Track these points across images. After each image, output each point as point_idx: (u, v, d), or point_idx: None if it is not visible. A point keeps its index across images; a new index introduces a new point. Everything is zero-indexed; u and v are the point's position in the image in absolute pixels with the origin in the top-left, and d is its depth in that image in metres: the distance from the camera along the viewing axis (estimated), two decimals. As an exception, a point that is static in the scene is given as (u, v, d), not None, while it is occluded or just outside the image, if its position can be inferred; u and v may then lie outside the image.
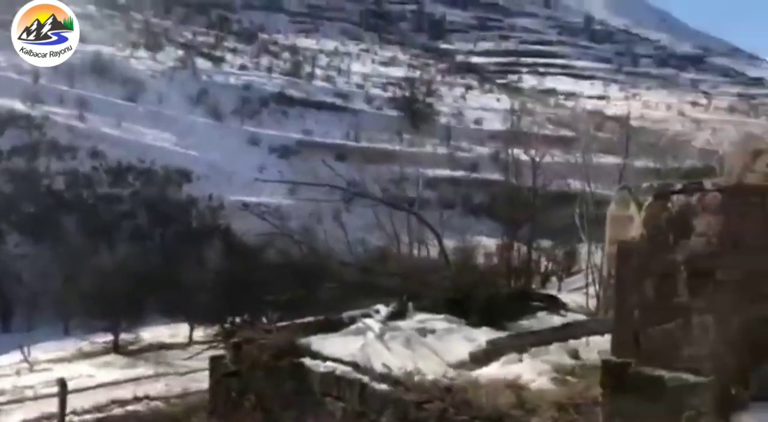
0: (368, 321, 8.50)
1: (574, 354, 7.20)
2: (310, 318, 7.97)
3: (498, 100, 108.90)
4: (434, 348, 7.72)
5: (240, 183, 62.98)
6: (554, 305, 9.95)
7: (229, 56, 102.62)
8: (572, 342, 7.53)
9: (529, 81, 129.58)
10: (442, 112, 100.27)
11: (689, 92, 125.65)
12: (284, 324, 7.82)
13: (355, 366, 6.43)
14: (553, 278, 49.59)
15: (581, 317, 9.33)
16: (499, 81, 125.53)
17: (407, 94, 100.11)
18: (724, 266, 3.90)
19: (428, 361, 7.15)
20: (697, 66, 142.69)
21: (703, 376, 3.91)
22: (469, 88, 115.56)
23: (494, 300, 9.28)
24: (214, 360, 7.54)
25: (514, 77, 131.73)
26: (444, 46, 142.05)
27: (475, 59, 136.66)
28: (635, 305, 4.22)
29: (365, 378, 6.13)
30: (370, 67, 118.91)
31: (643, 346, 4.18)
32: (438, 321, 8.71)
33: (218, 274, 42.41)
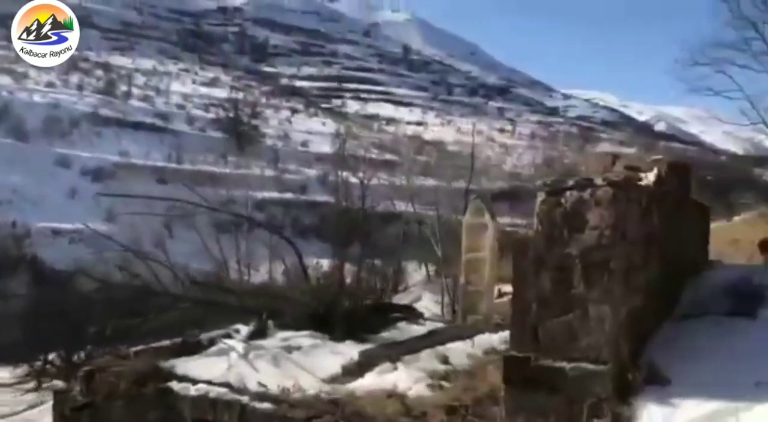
0: (229, 341, 8.06)
1: (444, 360, 7.27)
2: (166, 342, 7.34)
3: (324, 124, 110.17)
4: (303, 365, 7.46)
5: (49, 208, 57.83)
6: (412, 315, 10.08)
7: (33, 72, 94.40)
8: (440, 349, 7.63)
9: (352, 106, 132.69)
10: (268, 134, 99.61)
11: (497, 119, 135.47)
12: (139, 348, 7.13)
13: (228, 386, 5.99)
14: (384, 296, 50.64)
15: (440, 325, 9.50)
16: (324, 105, 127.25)
17: (231, 115, 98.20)
18: (617, 257, 4.11)
19: (299, 377, 6.90)
20: (503, 96, 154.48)
21: (601, 364, 4.06)
22: (294, 111, 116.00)
23: (356, 314, 9.19)
24: (59, 394, 6.70)
25: (338, 102, 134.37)
26: (267, 69, 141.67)
27: (299, 83, 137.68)
28: (533, 299, 4.31)
29: (244, 399, 5.73)
30: (191, 88, 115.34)
31: (541, 339, 4.27)
32: (302, 338, 8.47)
33: (24, 308, 38.34)
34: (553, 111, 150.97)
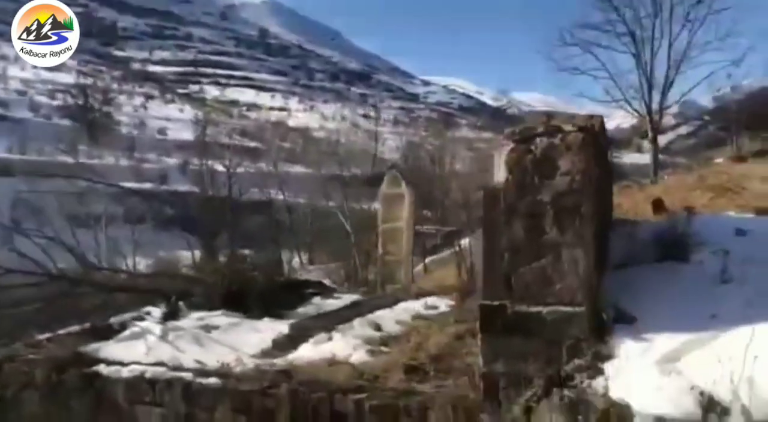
0: (143, 323, 7.56)
1: (377, 327, 7.22)
2: (75, 327, 6.74)
3: (181, 110, 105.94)
4: (226, 342, 7.14)
5: None
6: (326, 290, 9.94)
7: None
8: (370, 317, 7.57)
9: (211, 92, 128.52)
10: (123, 122, 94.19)
11: (360, 105, 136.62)
12: (47, 335, 6.48)
13: (163, 365, 5.58)
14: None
15: (356, 297, 9.42)
16: (180, 91, 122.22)
17: (80, 102, 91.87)
18: (587, 202, 4.21)
19: (225, 355, 6.60)
20: (365, 82, 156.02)
21: (577, 307, 4.16)
22: (149, 97, 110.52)
23: (270, 291, 8.93)
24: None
25: (196, 87, 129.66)
26: (117, 52, 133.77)
27: (152, 68, 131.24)
28: (505, 248, 4.32)
29: (187, 375, 5.36)
30: (32, 72, 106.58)
31: (515, 286, 4.30)
32: (217, 317, 8.11)
33: None
34: (414, 97, 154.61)
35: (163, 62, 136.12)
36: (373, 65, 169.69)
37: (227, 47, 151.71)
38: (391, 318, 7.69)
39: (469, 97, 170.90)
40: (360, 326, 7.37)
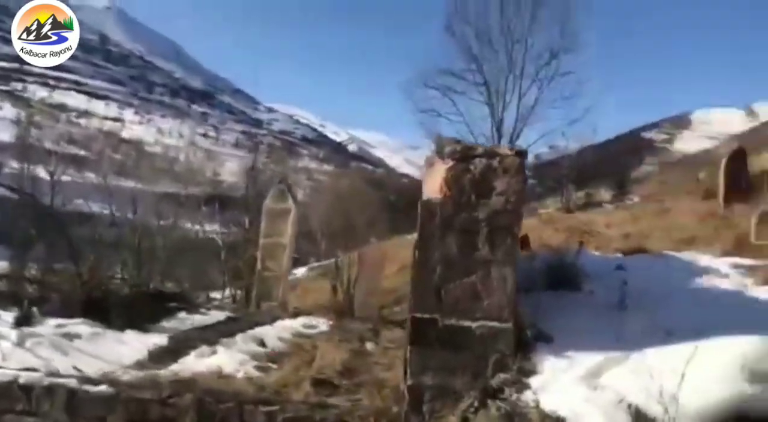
0: (-7, 328, 6.75)
1: (261, 343, 7.01)
2: None
3: (0, 108, 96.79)
4: (92, 352, 6.63)
5: None
6: (191, 304, 9.46)
7: None
8: (252, 332, 7.31)
9: (37, 92, 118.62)
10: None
11: (200, 124, 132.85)
12: None
13: (34, 371, 5.00)
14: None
15: (225, 313, 9.04)
16: (1, 87, 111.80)
17: None
18: (518, 222, 4.42)
19: (92, 365, 6.08)
20: (206, 101, 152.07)
21: (504, 323, 4.31)
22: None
23: (133, 302, 8.38)
24: None
25: (19, 86, 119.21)
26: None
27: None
28: (437, 262, 4.40)
29: (71, 382, 4.83)
30: None
31: (444, 300, 4.38)
32: (77, 325, 7.50)
33: None
34: (258, 123, 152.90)
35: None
36: (216, 86, 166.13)
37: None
38: (274, 334, 7.50)
39: (312, 129, 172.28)
40: (243, 341, 7.11)
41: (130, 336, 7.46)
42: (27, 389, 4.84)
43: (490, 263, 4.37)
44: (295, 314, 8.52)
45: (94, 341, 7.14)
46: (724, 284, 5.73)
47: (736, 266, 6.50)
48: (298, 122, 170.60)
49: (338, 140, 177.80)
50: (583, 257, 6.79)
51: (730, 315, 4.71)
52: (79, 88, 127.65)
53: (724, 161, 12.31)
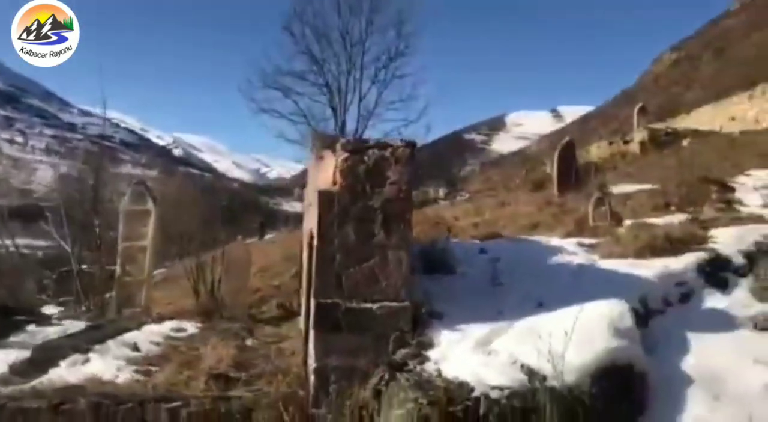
0: None
1: (135, 347, 6.77)
2: None
3: None
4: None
5: None
6: (41, 317, 8.84)
7: None
8: (123, 338, 7.01)
9: None
10: None
11: (5, 130, 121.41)
12: None
13: None
14: None
15: (83, 323, 8.54)
16: None
17: None
18: (409, 209, 4.74)
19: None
20: (12, 104, 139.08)
21: (401, 302, 4.61)
22: None
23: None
24: None
25: None
26: None
27: None
28: (337, 250, 4.61)
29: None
30: None
31: (345, 285, 4.59)
32: None
33: None
34: (72, 127, 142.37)
35: None
36: (23, 87, 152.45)
37: None
38: (145, 339, 7.25)
39: (133, 132, 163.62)
40: (116, 347, 6.82)
41: (-23, 353, 6.89)
42: None
43: (386, 248, 4.65)
44: (160, 319, 8.27)
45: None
46: (576, 260, 6.45)
47: (581, 245, 7.30)
48: (117, 125, 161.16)
49: (162, 143, 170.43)
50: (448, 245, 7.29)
51: (589, 284, 5.36)
52: None
53: (556, 155, 13.58)
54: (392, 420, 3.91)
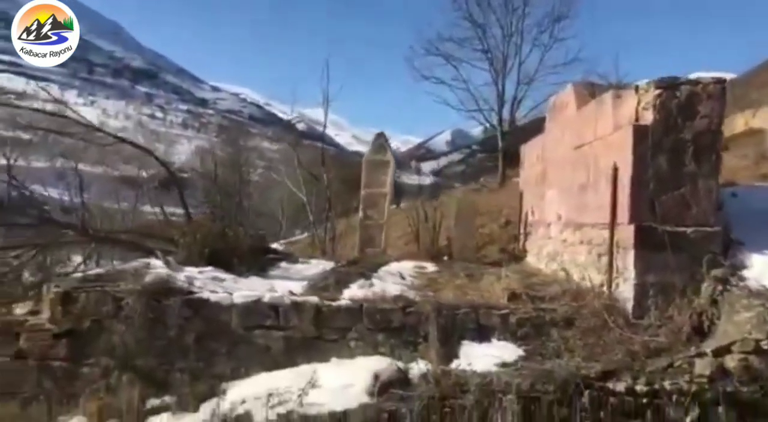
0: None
1: (402, 276, 7.56)
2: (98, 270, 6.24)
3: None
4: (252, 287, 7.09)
5: None
6: (289, 255, 9.89)
7: None
8: (386, 268, 7.82)
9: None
10: None
11: (146, 105, 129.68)
12: (97, 271, 5.92)
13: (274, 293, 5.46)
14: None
15: (324, 262, 9.51)
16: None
17: None
18: (720, 141, 5.10)
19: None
20: (150, 81, 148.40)
21: (712, 227, 5.01)
22: None
23: (249, 253, 8.82)
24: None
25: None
26: None
27: None
28: (650, 178, 5.05)
29: (313, 300, 5.33)
30: None
31: (657, 210, 5.04)
32: (212, 272, 7.88)
33: None
34: (203, 102, 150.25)
35: None
36: (159, 65, 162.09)
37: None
38: (404, 272, 8.04)
39: (258, 107, 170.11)
40: (387, 275, 7.63)
41: (258, 280, 7.87)
42: (274, 307, 5.30)
43: (697, 177, 5.05)
44: (398, 259, 9.05)
45: (241, 282, 7.55)
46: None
47: None
48: (244, 100, 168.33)
49: (286, 118, 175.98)
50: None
51: None
52: (17, 70, 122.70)
53: None
54: (739, 322, 4.35)
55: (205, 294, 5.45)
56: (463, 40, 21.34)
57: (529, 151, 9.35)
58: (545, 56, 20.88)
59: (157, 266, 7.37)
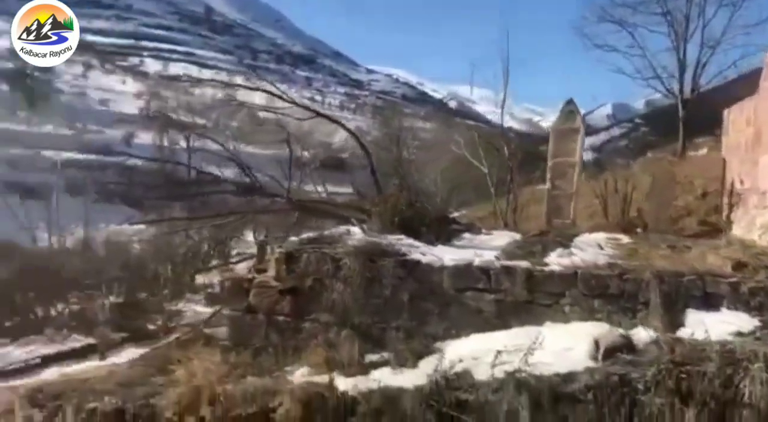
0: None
1: (600, 246, 7.38)
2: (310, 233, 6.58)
3: (124, 82, 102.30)
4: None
5: None
6: (473, 227, 9.97)
7: None
8: (581, 239, 7.67)
9: (152, 66, 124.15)
10: (62, 90, 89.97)
11: (306, 89, 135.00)
12: (310, 235, 6.30)
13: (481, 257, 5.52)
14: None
15: (507, 233, 9.49)
16: (120, 63, 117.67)
17: (13, 66, 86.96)
18: None
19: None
20: (309, 65, 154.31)
21: None
22: (89, 66, 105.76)
23: (435, 223, 8.98)
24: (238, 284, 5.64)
25: (136, 60, 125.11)
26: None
27: (90, 37, 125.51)
28: None
29: (524, 264, 5.34)
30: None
31: None
32: (405, 239, 8.11)
33: None
34: (358, 84, 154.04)
35: (101, 32, 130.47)
36: (316, 49, 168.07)
37: (170, 22, 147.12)
38: (599, 243, 7.83)
39: (411, 87, 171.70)
40: (586, 245, 7.48)
41: (445, 248, 8.00)
42: (485, 270, 5.37)
43: None
44: (590, 230, 8.82)
45: (431, 249, 7.72)
46: None
47: None
48: (397, 80, 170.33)
49: (437, 96, 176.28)
50: None
51: None
52: (190, 59, 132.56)
53: None
54: None
55: (417, 256, 5.61)
56: (639, 3, 20.23)
57: (737, 115, 8.67)
58: (734, 15, 19.25)
59: (357, 233, 7.73)
